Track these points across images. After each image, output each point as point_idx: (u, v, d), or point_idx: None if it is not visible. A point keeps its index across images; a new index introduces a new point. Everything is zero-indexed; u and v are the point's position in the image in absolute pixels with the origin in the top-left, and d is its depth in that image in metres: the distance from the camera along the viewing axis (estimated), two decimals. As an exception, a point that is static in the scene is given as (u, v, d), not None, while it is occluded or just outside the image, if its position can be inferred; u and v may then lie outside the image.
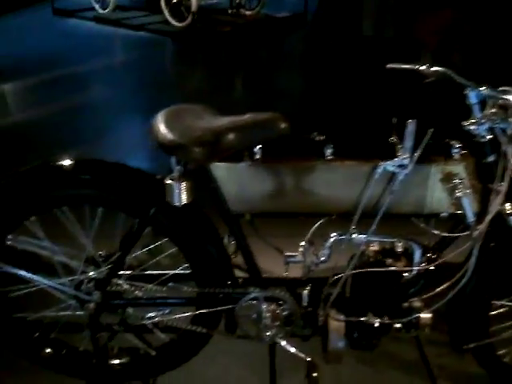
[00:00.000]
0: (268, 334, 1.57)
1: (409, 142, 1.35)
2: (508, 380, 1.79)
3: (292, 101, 4.70)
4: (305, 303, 1.60)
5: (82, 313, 1.61)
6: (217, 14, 7.99)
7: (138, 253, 1.57)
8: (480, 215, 1.43)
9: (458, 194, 1.37)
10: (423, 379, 1.91)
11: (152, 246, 1.57)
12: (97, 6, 8.01)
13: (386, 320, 1.58)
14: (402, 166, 1.38)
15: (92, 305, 1.56)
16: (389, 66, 1.57)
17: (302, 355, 1.56)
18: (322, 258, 1.56)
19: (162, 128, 1.37)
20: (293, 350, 1.58)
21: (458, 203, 1.40)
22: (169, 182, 1.38)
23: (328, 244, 1.54)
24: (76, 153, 3.49)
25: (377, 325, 1.60)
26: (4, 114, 4.56)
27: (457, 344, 1.68)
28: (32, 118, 4.39)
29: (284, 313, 1.59)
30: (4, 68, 5.34)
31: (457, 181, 1.37)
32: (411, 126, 1.34)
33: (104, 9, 7.97)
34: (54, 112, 4.50)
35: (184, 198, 1.38)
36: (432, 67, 1.43)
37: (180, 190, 1.37)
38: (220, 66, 6.23)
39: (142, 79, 5.61)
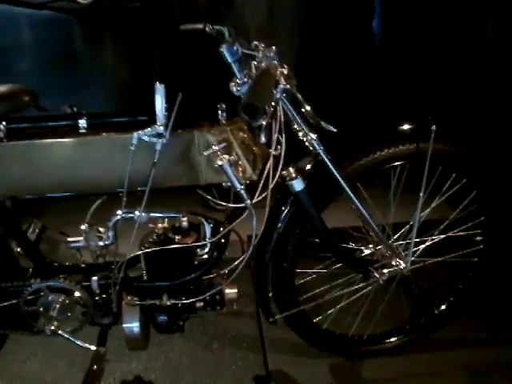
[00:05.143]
0: (52, 326, 1.45)
1: (160, 108, 1.23)
2: (329, 345, 1.74)
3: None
4: (97, 290, 1.49)
5: None
6: (126, -11, 7.66)
7: None
8: (261, 182, 1.34)
9: (219, 162, 1.26)
10: (257, 353, 1.84)
11: None
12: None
13: (184, 300, 1.49)
14: (159, 135, 1.26)
15: None
16: (182, 26, 1.47)
17: (88, 346, 1.45)
18: (108, 241, 1.45)
19: None
20: (78, 342, 1.46)
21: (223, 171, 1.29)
22: None
23: (111, 225, 1.42)
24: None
25: (180, 305, 1.51)
26: None
27: (268, 315, 1.62)
28: None
29: (71, 302, 1.47)
30: None
31: (217, 148, 1.26)
32: (159, 90, 1.22)
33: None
34: None
35: None
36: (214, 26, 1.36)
37: None
38: (126, 44, 5.97)
39: (38, 60, 5.31)
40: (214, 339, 1.92)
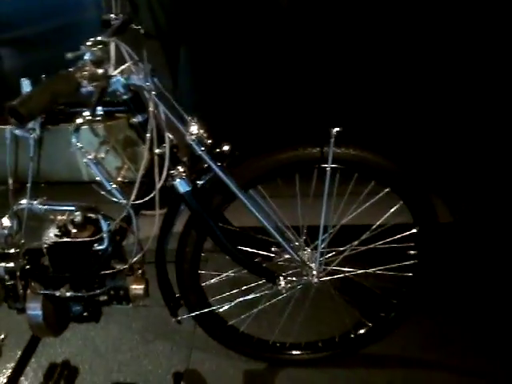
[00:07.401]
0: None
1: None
2: (245, 349, 1.68)
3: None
4: (5, 276, 1.53)
5: None
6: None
7: None
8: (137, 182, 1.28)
9: (83, 160, 1.22)
10: (183, 347, 1.82)
11: None
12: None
13: (84, 292, 1.49)
14: (32, 130, 1.25)
15: None
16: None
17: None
18: (11, 231, 1.47)
19: None
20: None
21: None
22: None
23: (10, 214, 1.45)
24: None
25: (85, 297, 1.52)
26: None
27: (173, 314, 1.58)
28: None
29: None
30: None
31: (80, 144, 1.22)
32: (25, 85, 1.19)
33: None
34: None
35: None
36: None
37: None
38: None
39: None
40: (148, 331, 1.92)
